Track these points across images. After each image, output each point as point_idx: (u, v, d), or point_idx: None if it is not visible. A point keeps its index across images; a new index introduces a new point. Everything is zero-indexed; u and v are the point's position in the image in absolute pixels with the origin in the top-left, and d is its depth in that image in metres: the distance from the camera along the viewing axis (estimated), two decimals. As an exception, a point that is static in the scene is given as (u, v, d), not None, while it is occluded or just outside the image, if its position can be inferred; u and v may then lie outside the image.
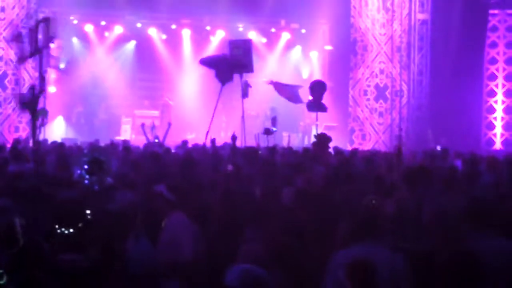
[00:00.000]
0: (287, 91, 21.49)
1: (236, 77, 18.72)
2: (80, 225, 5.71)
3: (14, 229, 5.79)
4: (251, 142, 18.10)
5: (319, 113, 19.56)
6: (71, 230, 5.67)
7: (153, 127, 22.07)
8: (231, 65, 18.47)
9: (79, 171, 9.25)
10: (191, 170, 10.36)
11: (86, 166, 8.94)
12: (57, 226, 5.72)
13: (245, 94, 20.30)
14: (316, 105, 18.91)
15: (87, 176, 8.88)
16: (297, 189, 8.52)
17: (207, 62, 19.50)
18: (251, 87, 20.90)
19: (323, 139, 13.93)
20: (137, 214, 6.58)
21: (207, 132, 17.53)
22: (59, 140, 20.65)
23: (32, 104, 11.39)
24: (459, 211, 6.49)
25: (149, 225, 6.87)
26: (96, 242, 5.67)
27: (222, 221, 7.50)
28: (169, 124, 20.07)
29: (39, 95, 11.45)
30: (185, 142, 18.67)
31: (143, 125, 21.03)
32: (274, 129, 21.79)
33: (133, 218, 6.46)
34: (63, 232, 5.68)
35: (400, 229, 6.88)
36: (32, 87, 11.69)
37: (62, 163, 11.09)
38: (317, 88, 18.90)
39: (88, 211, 5.97)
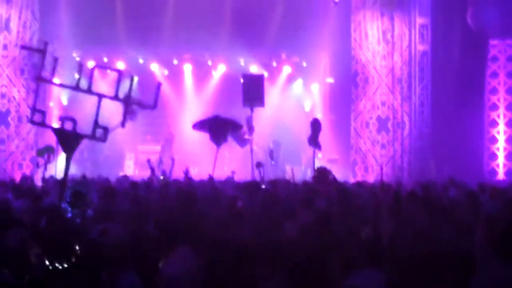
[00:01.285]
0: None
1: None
2: (73, 259, 5.64)
3: (29, 255, 5.72)
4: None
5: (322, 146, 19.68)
6: (65, 265, 5.58)
7: (160, 162, 22.09)
8: (224, 125, 18.61)
9: (62, 205, 9.15)
10: (190, 205, 10.30)
11: (68, 199, 8.87)
12: (47, 262, 5.64)
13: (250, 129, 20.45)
14: (313, 142, 19.00)
15: (69, 209, 8.81)
16: (301, 224, 8.52)
17: (200, 126, 19.64)
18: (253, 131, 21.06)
19: (323, 173, 13.94)
20: (128, 247, 6.51)
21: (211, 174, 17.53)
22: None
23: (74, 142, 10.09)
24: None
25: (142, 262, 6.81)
26: (88, 275, 5.59)
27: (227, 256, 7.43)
28: (173, 160, 20.11)
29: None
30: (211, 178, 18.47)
31: (149, 160, 21.10)
32: (272, 162, 21.86)
33: (125, 251, 6.38)
34: (56, 267, 5.61)
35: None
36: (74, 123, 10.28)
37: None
38: (316, 125, 19.01)
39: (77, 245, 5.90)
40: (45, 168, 20.58)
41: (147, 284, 6.74)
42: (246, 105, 20.04)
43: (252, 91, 20.03)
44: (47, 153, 21.21)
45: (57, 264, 5.67)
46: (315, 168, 15.86)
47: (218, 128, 18.46)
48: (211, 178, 16.57)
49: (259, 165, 17.45)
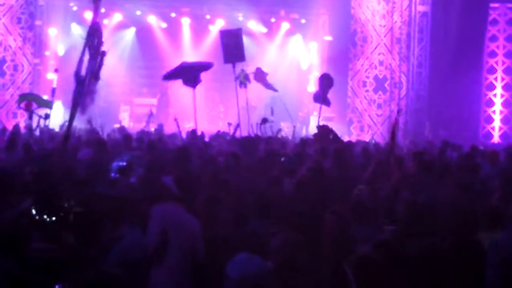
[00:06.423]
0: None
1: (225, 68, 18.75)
2: (61, 214, 5.51)
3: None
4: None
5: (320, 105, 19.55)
6: (53, 219, 5.47)
7: (150, 115, 21.98)
8: (193, 68, 18.55)
9: (120, 163, 9.33)
10: (186, 162, 10.22)
11: (124, 163, 9.11)
12: (35, 212, 5.50)
13: (241, 84, 20.35)
14: (321, 98, 18.81)
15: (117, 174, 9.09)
16: (298, 179, 8.52)
17: (171, 76, 19.55)
18: (250, 82, 20.93)
19: (324, 131, 13.87)
20: (136, 201, 6.47)
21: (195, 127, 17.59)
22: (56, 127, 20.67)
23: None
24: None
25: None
26: (76, 228, 5.48)
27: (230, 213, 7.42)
28: (176, 120, 20.11)
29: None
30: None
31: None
32: (271, 118, 21.79)
33: (131, 205, 6.33)
34: (44, 220, 5.48)
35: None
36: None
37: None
38: (326, 81, 18.76)
39: (70, 201, 5.74)
40: (29, 117, 20.33)
41: None
42: (228, 61, 19.92)
43: (231, 46, 19.90)
44: (26, 100, 20.88)
45: (44, 216, 5.55)
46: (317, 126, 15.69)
47: (187, 72, 18.42)
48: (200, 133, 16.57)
49: (264, 121, 17.35)
